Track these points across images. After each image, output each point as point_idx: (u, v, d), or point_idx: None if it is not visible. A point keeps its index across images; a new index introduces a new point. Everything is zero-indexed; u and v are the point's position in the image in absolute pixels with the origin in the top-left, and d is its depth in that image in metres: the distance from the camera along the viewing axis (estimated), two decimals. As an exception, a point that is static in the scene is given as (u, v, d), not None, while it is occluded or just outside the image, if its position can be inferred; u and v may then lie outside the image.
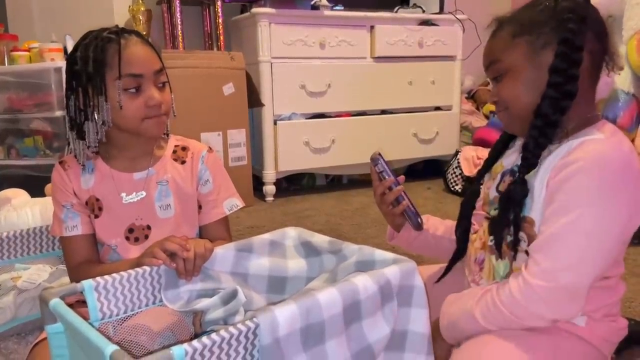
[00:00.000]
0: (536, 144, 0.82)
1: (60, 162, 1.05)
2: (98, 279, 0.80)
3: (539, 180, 0.82)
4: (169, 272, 0.87)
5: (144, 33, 2.75)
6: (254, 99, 2.56)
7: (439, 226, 1.08)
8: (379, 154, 1.04)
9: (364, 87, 2.80)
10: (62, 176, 1.03)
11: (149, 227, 1.04)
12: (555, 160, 0.81)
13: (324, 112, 2.75)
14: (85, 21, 2.90)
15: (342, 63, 2.73)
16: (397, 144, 2.90)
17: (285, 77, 2.60)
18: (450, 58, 3.02)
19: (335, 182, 3.13)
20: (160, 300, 0.87)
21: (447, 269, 0.99)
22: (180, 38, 2.67)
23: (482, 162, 2.91)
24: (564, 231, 0.76)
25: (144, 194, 1.04)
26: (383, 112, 2.92)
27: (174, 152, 1.10)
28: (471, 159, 2.72)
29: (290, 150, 2.65)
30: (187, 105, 2.32)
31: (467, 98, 3.57)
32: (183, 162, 1.09)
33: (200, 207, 1.10)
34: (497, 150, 0.97)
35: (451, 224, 1.06)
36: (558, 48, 0.80)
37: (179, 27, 2.67)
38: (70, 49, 2.54)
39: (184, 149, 1.11)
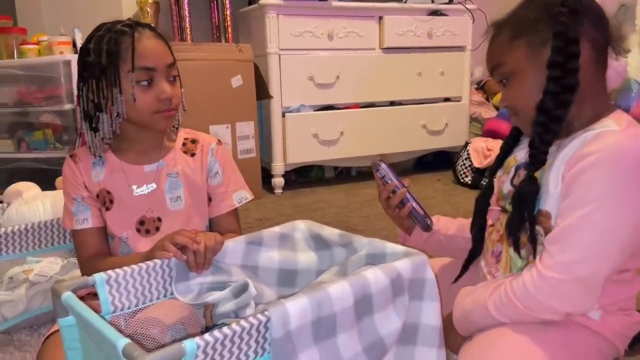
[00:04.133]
0: (541, 140, 0.81)
1: (71, 156, 1.06)
2: (109, 272, 0.80)
3: (554, 173, 0.81)
4: (179, 265, 0.87)
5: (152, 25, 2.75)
6: (262, 91, 2.55)
7: (451, 226, 1.07)
8: (380, 159, 1.03)
9: (372, 79, 2.78)
10: (72, 169, 1.04)
11: (159, 219, 1.05)
12: (571, 152, 0.80)
13: (333, 103, 2.74)
14: (94, 14, 2.90)
15: (351, 54, 2.71)
16: (406, 135, 2.89)
17: (294, 69, 2.59)
18: (460, 48, 2.99)
19: (344, 174, 3.12)
20: (172, 293, 0.87)
21: (464, 268, 0.98)
22: (188, 30, 2.66)
23: (492, 153, 2.88)
24: (580, 224, 0.75)
25: (155, 186, 1.05)
26: (392, 103, 2.90)
27: (184, 144, 1.10)
28: (481, 150, 2.69)
29: (299, 143, 2.64)
30: (195, 97, 2.32)
31: (476, 89, 3.53)
32: (193, 155, 1.09)
33: (210, 199, 1.10)
34: (509, 145, 0.96)
35: (463, 222, 1.06)
36: (553, 42, 0.79)
37: (187, 19, 2.66)
38: (79, 42, 2.54)
39: (194, 141, 1.11)
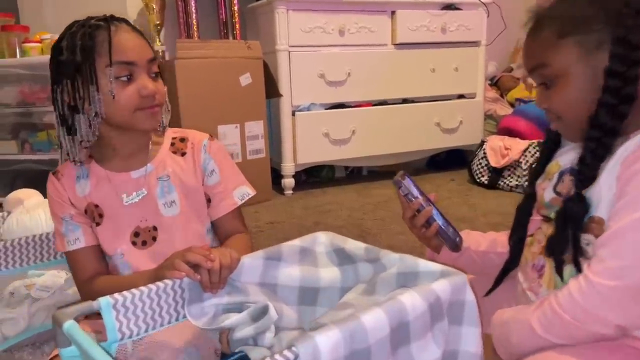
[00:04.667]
0: (594, 156, 0.73)
1: (54, 173, 0.99)
2: (116, 295, 0.72)
3: (607, 177, 0.73)
4: (192, 285, 0.79)
5: (157, 22, 2.67)
6: (271, 90, 2.47)
7: (482, 241, 0.99)
8: (403, 174, 0.95)
9: (384, 75, 2.70)
10: (56, 187, 0.97)
11: (155, 228, 0.97)
12: (625, 153, 0.72)
13: (344, 101, 2.66)
14: (97, 11, 2.83)
15: (362, 50, 2.63)
16: (420, 133, 2.81)
17: (304, 66, 2.51)
18: (474, 44, 2.90)
19: (355, 174, 3.04)
20: (184, 317, 0.80)
21: (498, 281, 0.90)
22: (194, 27, 2.59)
23: (509, 152, 2.78)
24: (634, 226, 0.68)
25: (145, 192, 0.97)
26: (404, 101, 2.82)
27: (172, 144, 1.02)
28: (498, 149, 2.60)
29: (310, 142, 2.57)
30: (202, 96, 2.24)
31: (490, 85, 3.44)
32: (183, 154, 1.01)
33: (209, 200, 1.03)
34: (550, 149, 0.88)
35: (494, 237, 0.98)
36: (613, 48, 0.71)
37: (194, 15, 2.59)
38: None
39: (183, 140, 1.03)
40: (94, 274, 0.95)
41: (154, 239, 0.97)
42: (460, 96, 2.95)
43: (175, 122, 2.23)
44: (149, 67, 0.92)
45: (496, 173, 2.59)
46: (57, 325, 0.67)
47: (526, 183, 2.49)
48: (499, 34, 2.96)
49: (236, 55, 2.34)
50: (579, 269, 0.75)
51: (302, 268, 0.89)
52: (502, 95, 3.38)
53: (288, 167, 2.58)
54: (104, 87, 0.89)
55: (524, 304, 0.83)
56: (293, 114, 2.53)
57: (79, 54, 0.88)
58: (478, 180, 2.66)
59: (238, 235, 1.03)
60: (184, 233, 0.98)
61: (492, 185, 2.59)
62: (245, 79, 2.36)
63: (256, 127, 2.42)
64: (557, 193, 0.81)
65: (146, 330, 0.76)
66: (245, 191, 1.05)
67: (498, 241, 0.96)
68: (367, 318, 0.63)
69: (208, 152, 1.02)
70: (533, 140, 2.57)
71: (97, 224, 0.96)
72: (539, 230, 0.85)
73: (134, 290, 0.74)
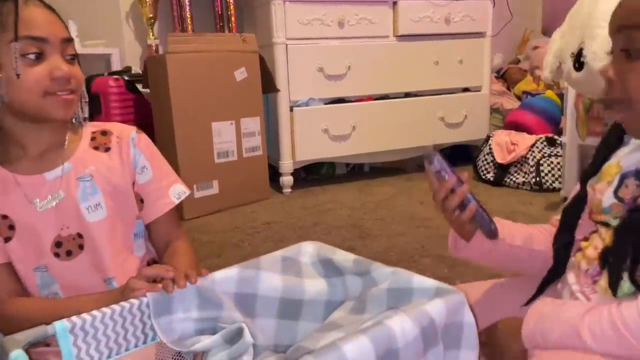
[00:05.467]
0: None
1: None
2: (74, 319, 0.65)
3: None
4: (156, 298, 0.71)
5: (151, 16, 2.60)
6: (268, 84, 2.39)
7: (516, 234, 0.89)
8: (435, 149, 0.84)
9: (386, 69, 2.61)
10: None
11: (80, 235, 0.87)
12: None
13: (344, 96, 2.58)
14: (89, 4, 2.76)
15: (363, 43, 2.54)
16: (423, 128, 2.72)
17: (302, 60, 2.43)
18: (480, 35, 2.81)
19: (356, 171, 2.96)
20: (152, 339, 0.72)
21: (540, 290, 0.82)
22: (189, 20, 2.51)
23: (516, 148, 2.67)
24: None
25: (63, 195, 0.86)
26: (407, 95, 2.74)
27: (93, 139, 0.91)
28: (504, 144, 2.51)
29: (308, 139, 2.49)
30: (195, 92, 2.17)
31: (496, 77, 3.34)
32: (107, 150, 0.91)
33: (141, 200, 0.93)
34: (609, 146, 0.79)
35: (530, 231, 0.89)
36: None
37: (188, 8, 2.52)
38: (74, 34, 2.40)
39: (105, 133, 0.93)
40: (8, 295, 0.83)
41: (81, 247, 0.87)
42: (465, 89, 2.86)
43: (167, 119, 2.16)
44: (63, 48, 0.82)
45: (502, 169, 2.50)
46: (4, 354, 0.60)
47: (534, 180, 2.36)
48: (505, 24, 2.87)
49: (231, 49, 2.26)
50: (637, 286, 0.66)
51: (284, 278, 0.81)
52: (508, 88, 3.28)
53: (286, 165, 2.50)
54: (7, 66, 0.78)
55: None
56: (291, 110, 2.46)
57: None
58: (483, 177, 2.58)
59: (179, 244, 0.95)
60: (110, 239, 0.88)
61: (498, 182, 2.51)
62: (240, 74, 2.28)
63: (252, 124, 2.35)
64: (619, 198, 0.72)
65: (109, 356, 0.69)
66: (180, 189, 0.97)
67: (534, 237, 0.87)
68: (348, 347, 0.55)
69: (137, 146, 0.93)
70: (541, 135, 2.48)
71: (7, 239, 0.83)
72: (595, 236, 0.76)
73: (94, 312, 0.67)
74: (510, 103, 3.08)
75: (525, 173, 2.44)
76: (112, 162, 0.90)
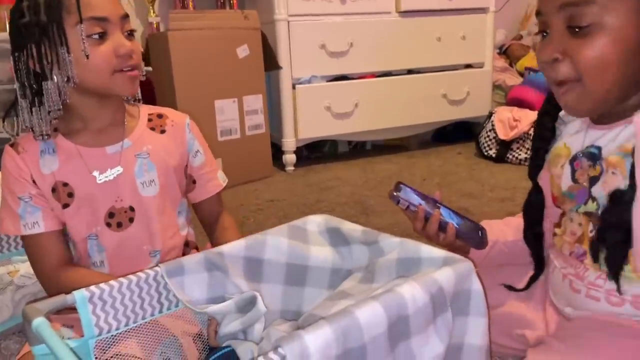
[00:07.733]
0: None
1: (12, 145, 0.88)
2: (92, 288, 0.67)
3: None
4: (168, 264, 0.73)
5: (151, -8, 2.56)
6: (270, 62, 2.38)
7: (506, 230, 0.92)
8: (397, 185, 0.86)
9: (388, 45, 2.59)
10: (16, 162, 0.86)
11: (132, 209, 0.91)
12: None
13: (346, 73, 2.57)
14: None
15: (365, 19, 2.52)
16: (425, 105, 2.72)
17: (304, 37, 2.41)
18: (482, 10, 2.78)
19: (359, 148, 2.96)
20: (168, 309, 0.74)
21: (529, 285, 0.85)
22: (189, -3, 2.48)
23: (518, 124, 2.65)
24: None
25: (121, 169, 0.90)
26: (410, 71, 2.72)
27: (150, 120, 0.95)
28: (507, 121, 2.51)
29: (311, 116, 2.49)
30: (197, 70, 2.16)
31: (499, 54, 3.31)
32: (163, 132, 0.95)
33: (194, 182, 1.00)
34: (546, 139, 0.80)
35: (517, 223, 0.91)
36: None
37: (188, -16, 2.48)
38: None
39: (160, 116, 0.97)
40: (61, 263, 0.87)
41: (131, 220, 0.91)
42: (468, 66, 2.84)
43: (170, 97, 2.15)
44: (122, 24, 0.84)
45: (504, 146, 2.50)
46: (27, 322, 0.62)
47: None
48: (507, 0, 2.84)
49: (233, 26, 2.24)
50: (623, 256, 0.68)
51: (290, 242, 0.82)
52: (511, 65, 3.26)
53: (289, 143, 2.50)
54: (75, 48, 0.81)
55: (565, 289, 0.78)
56: (293, 87, 2.44)
57: (43, 13, 0.80)
58: (486, 153, 2.58)
59: (227, 219, 1.03)
60: (159, 215, 0.92)
61: (501, 158, 2.51)
62: (242, 51, 2.26)
63: (255, 101, 2.34)
64: (576, 181, 0.74)
65: (126, 324, 0.71)
66: (222, 175, 1.05)
67: (522, 229, 0.89)
68: (361, 313, 0.57)
69: (192, 131, 0.99)
70: (543, 111, 2.48)
71: (66, 205, 0.87)
72: (566, 219, 0.77)
73: (112, 282, 0.69)
74: (512, 79, 3.07)
75: (528, 149, 2.45)
76: (167, 143, 0.94)
